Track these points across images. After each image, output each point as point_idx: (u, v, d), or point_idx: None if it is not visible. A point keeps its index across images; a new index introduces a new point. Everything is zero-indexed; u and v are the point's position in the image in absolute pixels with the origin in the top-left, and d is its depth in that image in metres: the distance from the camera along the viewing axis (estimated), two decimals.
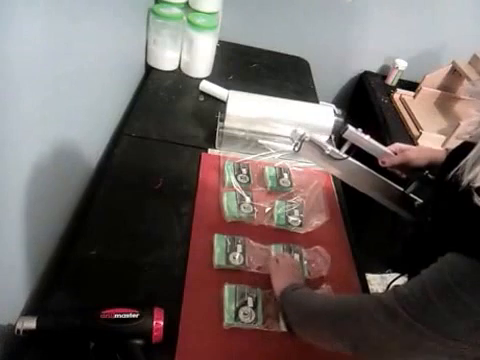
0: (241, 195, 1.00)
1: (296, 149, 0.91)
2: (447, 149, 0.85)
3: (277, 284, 0.79)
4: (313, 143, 0.91)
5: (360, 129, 0.92)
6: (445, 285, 0.48)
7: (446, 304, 0.48)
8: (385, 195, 0.93)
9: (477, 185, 0.50)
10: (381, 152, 0.92)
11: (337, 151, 0.92)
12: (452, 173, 0.53)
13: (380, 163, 0.91)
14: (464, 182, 0.51)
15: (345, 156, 0.91)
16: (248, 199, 1.00)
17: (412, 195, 0.90)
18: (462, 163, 0.52)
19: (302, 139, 0.90)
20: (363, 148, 0.92)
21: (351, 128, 0.90)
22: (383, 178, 0.93)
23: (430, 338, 0.49)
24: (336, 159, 0.91)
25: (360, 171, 0.94)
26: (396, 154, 0.90)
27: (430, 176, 0.86)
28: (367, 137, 0.91)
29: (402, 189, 0.91)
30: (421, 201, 0.88)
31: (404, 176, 0.93)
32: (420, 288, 0.51)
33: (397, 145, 0.92)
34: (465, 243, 0.49)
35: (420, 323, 0.49)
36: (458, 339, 0.48)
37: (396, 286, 0.56)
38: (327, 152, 0.91)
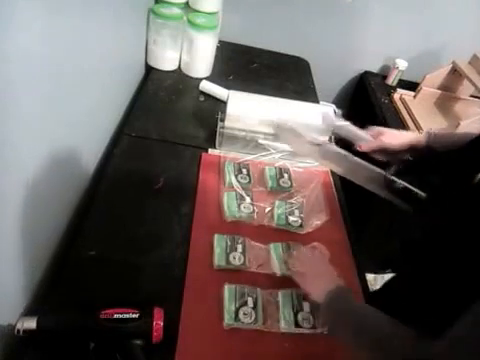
0: (241, 195, 1.00)
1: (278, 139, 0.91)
2: (428, 132, 0.86)
3: (313, 287, 0.75)
4: (294, 131, 0.92)
5: (342, 119, 0.92)
6: None
7: None
8: (368, 179, 0.91)
9: None
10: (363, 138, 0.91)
11: (316, 137, 0.92)
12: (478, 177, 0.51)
13: (357, 148, 0.91)
14: None
15: (325, 141, 0.91)
16: (248, 199, 1.00)
17: (394, 178, 0.88)
18: None
19: (282, 127, 0.91)
20: (343, 136, 0.92)
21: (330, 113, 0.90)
22: (361, 161, 0.91)
23: None
24: (317, 145, 0.91)
25: (340, 157, 0.92)
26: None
27: (410, 158, 0.87)
28: (347, 123, 0.91)
29: (383, 172, 0.89)
30: (403, 184, 0.86)
31: (384, 160, 0.92)
32: (462, 347, 0.48)
33: (376, 130, 0.91)
34: None
35: None
36: None
37: (430, 339, 0.52)
38: (308, 139, 0.91)
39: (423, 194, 0.87)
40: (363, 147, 0.90)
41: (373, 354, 0.60)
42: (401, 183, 0.87)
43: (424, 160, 0.87)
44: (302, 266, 0.81)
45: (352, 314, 0.67)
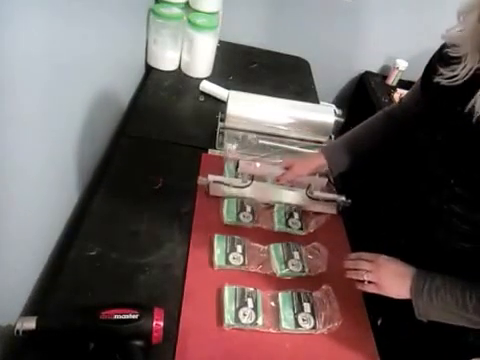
0: (242, 203, 0.99)
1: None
2: (322, 151, 0.99)
3: (395, 290, 0.74)
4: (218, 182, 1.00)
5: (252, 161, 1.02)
6: None
7: None
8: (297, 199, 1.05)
9: None
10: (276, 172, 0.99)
11: (239, 181, 1.01)
12: (469, 106, 0.59)
13: (275, 181, 1.00)
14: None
15: (248, 183, 1.00)
16: (249, 208, 0.99)
17: (312, 195, 1.03)
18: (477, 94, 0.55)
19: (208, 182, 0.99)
20: (259, 175, 1.02)
21: (242, 163, 0.99)
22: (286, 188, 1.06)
23: None
24: (243, 187, 1.01)
25: (271, 187, 1.06)
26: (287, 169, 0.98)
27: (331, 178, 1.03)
28: (258, 165, 0.99)
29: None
30: (322, 196, 1.04)
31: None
32: None
33: (285, 162, 0.99)
34: None
35: None
36: None
37: None
38: (233, 185, 1.00)
39: (345, 200, 1.02)
40: (281, 180, 0.97)
41: None
42: (320, 196, 1.04)
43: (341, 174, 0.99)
44: (373, 276, 0.76)
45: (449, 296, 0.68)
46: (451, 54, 0.67)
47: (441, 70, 0.68)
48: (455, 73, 0.65)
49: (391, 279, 0.74)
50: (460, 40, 0.65)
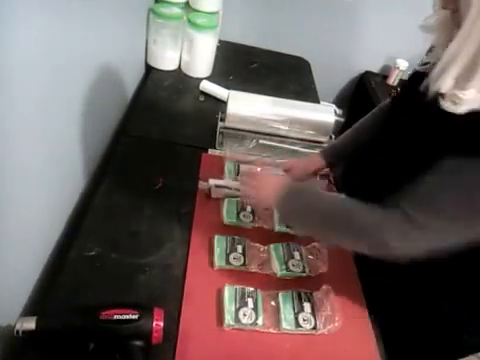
0: (242, 203, 0.99)
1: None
2: (321, 152, 1.02)
3: (268, 196, 0.79)
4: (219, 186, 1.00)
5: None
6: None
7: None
8: None
9: (443, 91, 0.57)
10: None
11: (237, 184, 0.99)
12: (423, 85, 0.61)
13: None
14: (432, 91, 0.58)
15: None
16: (249, 208, 0.98)
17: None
18: (431, 74, 0.59)
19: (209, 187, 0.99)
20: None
21: (243, 167, 1.01)
22: None
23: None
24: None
25: None
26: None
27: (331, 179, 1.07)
28: (259, 169, 1.00)
29: None
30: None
31: None
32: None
33: (284, 165, 1.01)
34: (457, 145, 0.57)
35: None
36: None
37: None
38: (235, 188, 0.99)
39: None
40: None
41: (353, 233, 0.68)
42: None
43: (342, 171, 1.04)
44: (251, 185, 0.84)
45: (315, 200, 0.75)
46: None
47: (424, 58, 0.72)
48: (428, 60, 0.69)
49: (266, 190, 0.80)
50: (433, 29, 0.68)
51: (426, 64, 0.70)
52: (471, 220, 0.59)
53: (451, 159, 0.58)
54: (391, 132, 0.79)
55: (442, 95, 0.58)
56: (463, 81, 0.56)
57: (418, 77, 0.68)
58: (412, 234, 0.62)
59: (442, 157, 0.59)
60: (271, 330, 0.76)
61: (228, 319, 0.75)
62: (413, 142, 0.69)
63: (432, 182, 0.60)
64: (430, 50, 0.72)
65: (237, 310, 0.76)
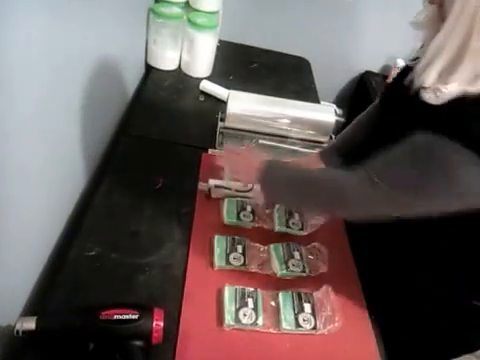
0: (242, 203, 0.99)
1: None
2: (319, 152, 1.04)
3: (251, 171, 0.81)
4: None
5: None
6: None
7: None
8: None
9: (426, 85, 0.58)
10: None
11: (241, 185, 1.00)
12: (407, 79, 0.63)
13: None
14: (416, 84, 0.60)
15: (250, 187, 1.00)
16: (249, 208, 0.98)
17: None
18: (416, 68, 0.61)
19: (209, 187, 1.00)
20: None
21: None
22: None
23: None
24: (245, 192, 1.01)
25: None
26: None
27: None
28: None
29: None
30: None
31: None
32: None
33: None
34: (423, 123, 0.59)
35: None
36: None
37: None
38: (235, 189, 1.00)
39: None
40: None
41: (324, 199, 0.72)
42: None
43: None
44: (235, 160, 0.89)
45: (287, 172, 0.79)
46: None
47: (415, 53, 0.74)
48: (417, 55, 0.71)
49: (249, 167, 0.83)
50: (423, 25, 0.71)
51: (416, 59, 0.71)
52: (426, 198, 0.60)
53: (423, 135, 0.59)
54: (380, 129, 0.81)
55: (424, 88, 0.59)
56: (446, 75, 0.56)
57: (407, 72, 0.69)
58: (371, 196, 0.64)
59: (415, 132, 0.60)
60: (271, 330, 0.76)
61: (228, 319, 0.75)
62: (396, 129, 0.70)
63: (398, 152, 0.62)
64: (422, 46, 0.73)
65: (237, 310, 0.76)
